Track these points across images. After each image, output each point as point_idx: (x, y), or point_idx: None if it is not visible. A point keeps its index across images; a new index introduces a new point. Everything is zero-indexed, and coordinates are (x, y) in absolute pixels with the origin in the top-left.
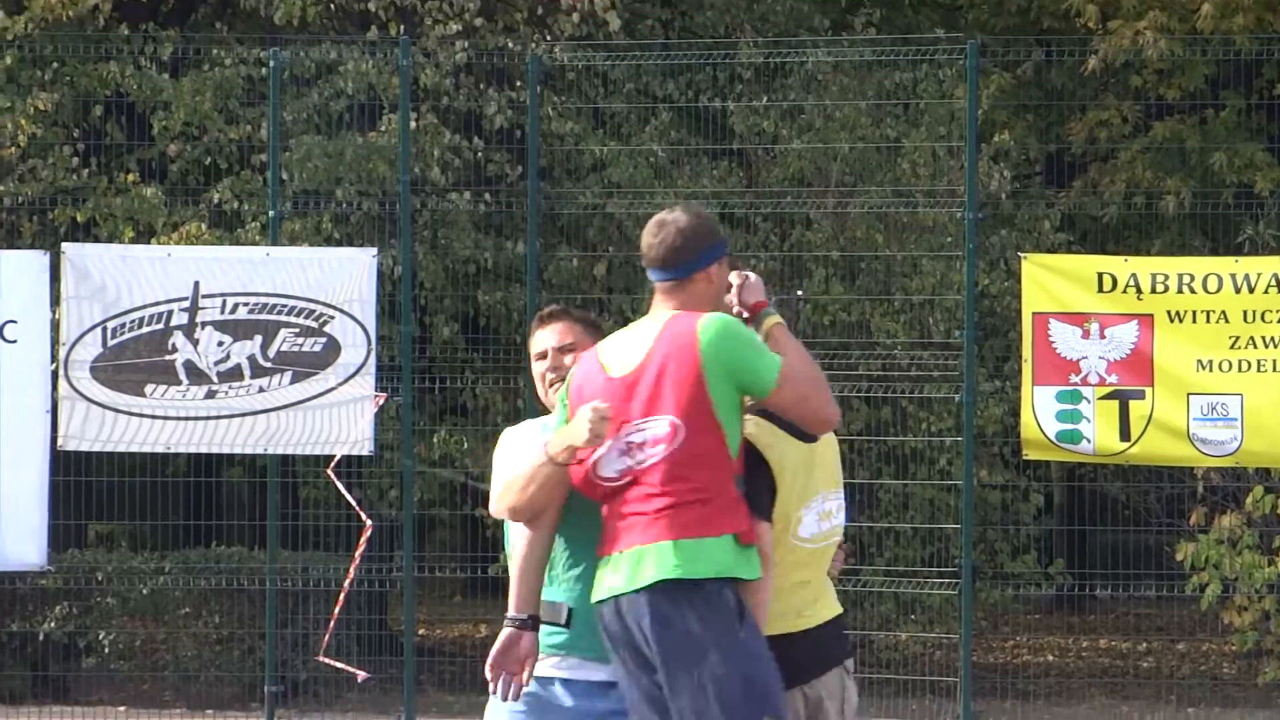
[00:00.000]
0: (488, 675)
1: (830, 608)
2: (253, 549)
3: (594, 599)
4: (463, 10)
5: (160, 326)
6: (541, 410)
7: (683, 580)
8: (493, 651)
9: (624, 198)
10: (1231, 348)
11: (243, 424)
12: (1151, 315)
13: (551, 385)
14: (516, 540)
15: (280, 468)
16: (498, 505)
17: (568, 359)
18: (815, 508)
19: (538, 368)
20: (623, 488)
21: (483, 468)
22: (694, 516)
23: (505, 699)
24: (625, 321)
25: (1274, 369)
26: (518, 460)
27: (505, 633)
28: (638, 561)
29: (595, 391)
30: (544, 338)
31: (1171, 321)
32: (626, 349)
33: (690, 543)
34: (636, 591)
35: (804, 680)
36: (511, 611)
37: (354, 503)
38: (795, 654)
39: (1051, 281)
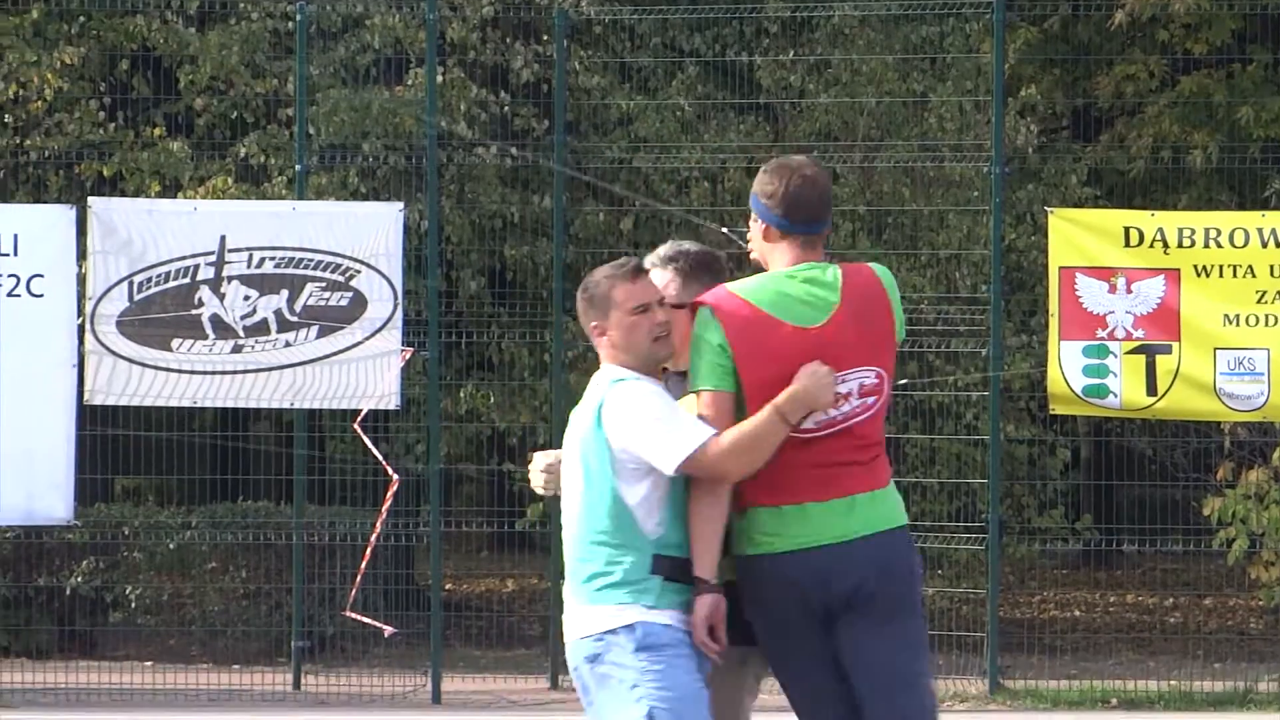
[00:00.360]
0: (704, 640)
1: None
2: (279, 504)
3: (791, 547)
4: None
5: (187, 281)
6: (587, 366)
7: (900, 529)
8: (704, 618)
9: (650, 152)
10: (1258, 302)
11: (269, 378)
12: (1178, 270)
13: (659, 339)
14: (645, 492)
15: (307, 422)
16: (718, 465)
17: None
18: None
19: (639, 320)
20: (822, 437)
21: (508, 422)
22: (886, 466)
23: (717, 660)
24: None
25: None
26: (679, 416)
27: (712, 599)
28: (857, 508)
29: (780, 345)
30: (644, 291)
31: (1198, 276)
32: (805, 301)
33: (893, 492)
34: (873, 535)
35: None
36: (711, 576)
37: (380, 457)
38: None
39: (1078, 236)
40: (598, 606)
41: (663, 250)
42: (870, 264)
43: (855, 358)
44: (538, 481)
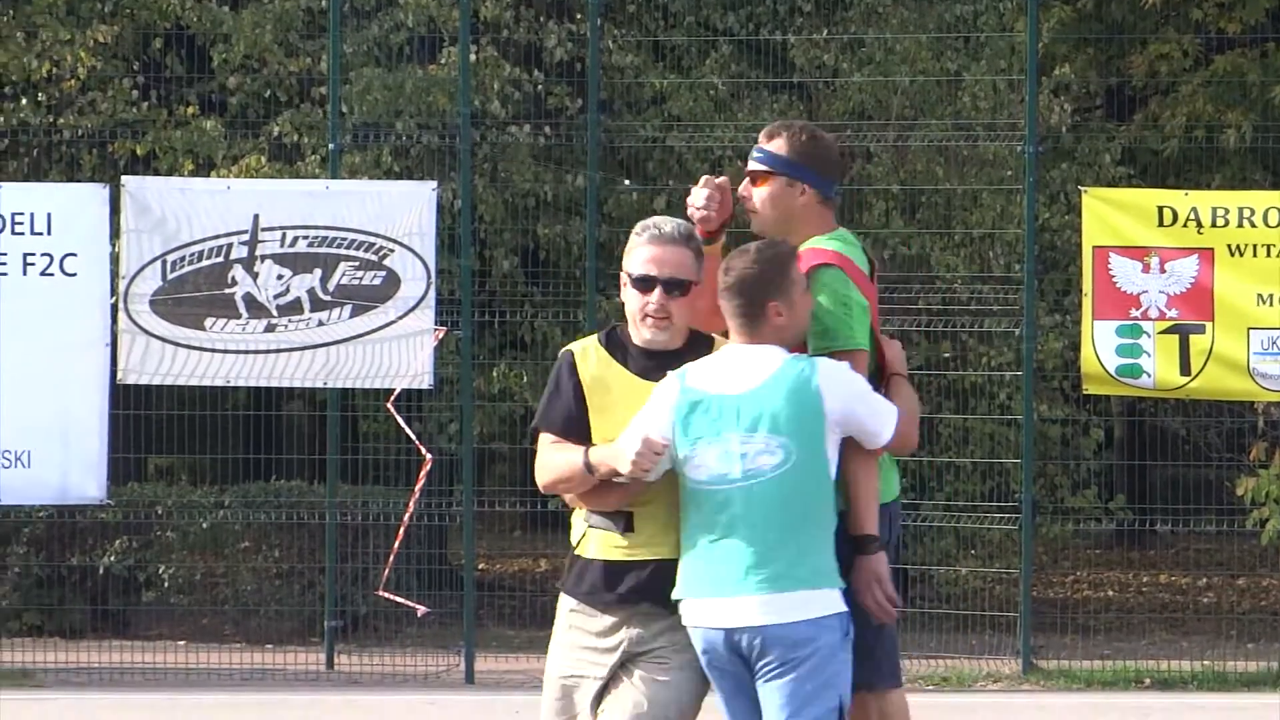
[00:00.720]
0: (886, 602)
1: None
2: (312, 483)
3: (889, 496)
4: None
5: (220, 260)
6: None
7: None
8: (884, 576)
9: (684, 131)
10: None
11: (302, 357)
12: (1212, 249)
13: None
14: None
15: (340, 401)
16: (914, 435)
17: None
18: None
19: (808, 299)
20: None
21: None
22: None
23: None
24: None
25: None
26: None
27: (880, 555)
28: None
29: (872, 296)
30: None
31: (1232, 255)
32: (862, 255)
33: None
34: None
35: None
36: (875, 531)
37: (413, 436)
38: None
39: (1112, 215)
40: (809, 591)
41: (667, 228)
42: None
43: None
44: (646, 465)
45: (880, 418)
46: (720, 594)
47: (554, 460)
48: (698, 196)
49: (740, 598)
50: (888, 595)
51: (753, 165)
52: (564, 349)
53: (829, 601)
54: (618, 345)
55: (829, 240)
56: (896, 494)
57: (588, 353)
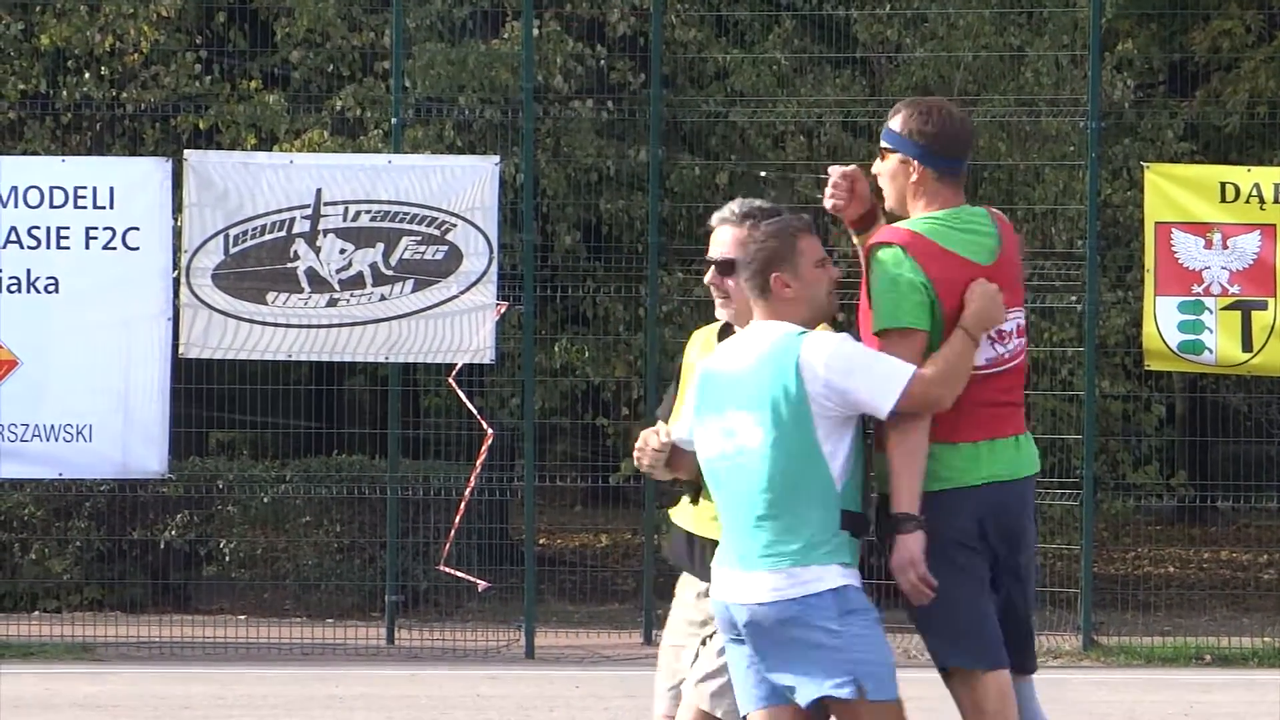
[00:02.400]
0: (918, 580)
1: None
2: (374, 458)
3: (971, 481)
4: None
5: (282, 234)
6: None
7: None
8: (917, 555)
9: (746, 106)
10: None
11: (364, 332)
12: (1274, 225)
13: (830, 294)
14: (836, 443)
15: (401, 376)
16: (929, 398)
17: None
18: None
19: (821, 274)
20: (992, 375)
21: (603, 376)
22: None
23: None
24: None
25: None
26: (884, 359)
27: (921, 534)
28: (1022, 447)
29: (962, 280)
30: (819, 245)
31: None
32: (976, 240)
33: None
34: (1031, 476)
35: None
36: (917, 511)
37: (475, 411)
38: None
39: (1174, 191)
40: (792, 569)
41: (735, 206)
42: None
43: (1013, 298)
44: (650, 463)
45: (878, 389)
46: (721, 566)
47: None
48: (827, 188)
49: (731, 572)
50: (920, 577)
51: (881, 143)
52: None
53: (820, 578)
54: (729, 330)
55: (921, 220)
56: (1016, 472)
57: (697, 337)
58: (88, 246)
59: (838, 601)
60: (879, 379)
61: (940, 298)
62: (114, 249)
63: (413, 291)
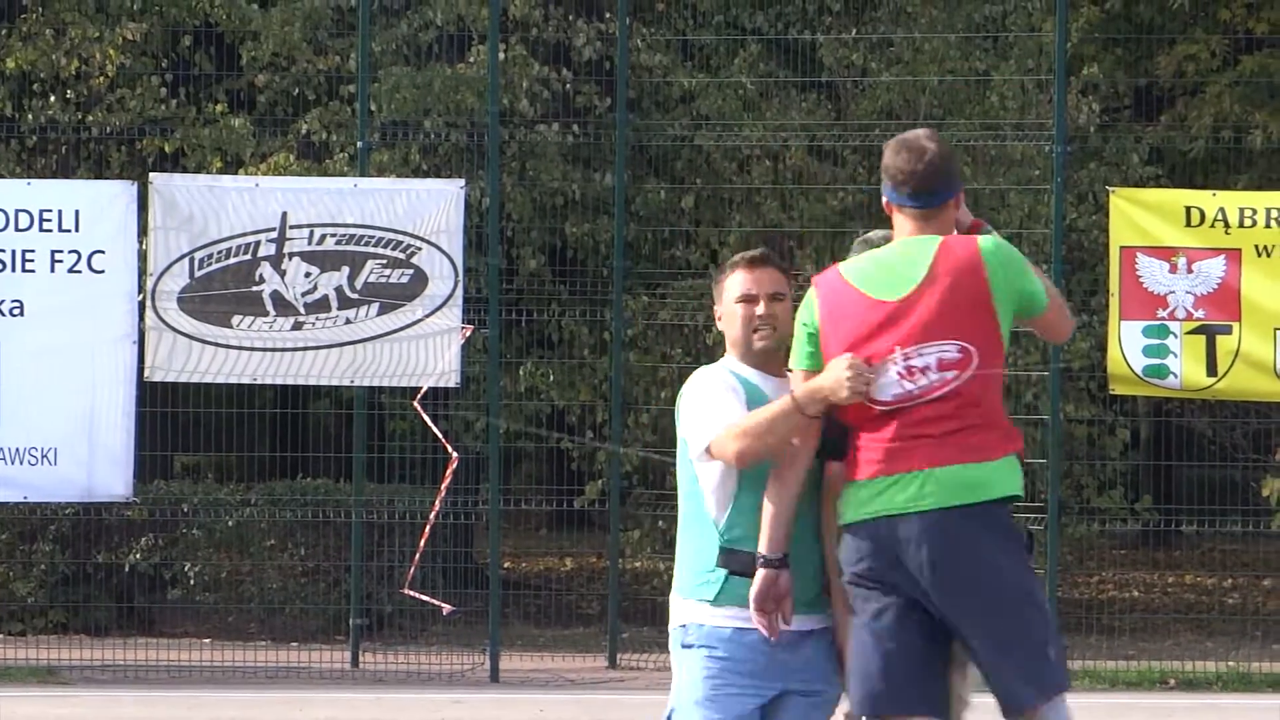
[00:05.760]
0: (754, 617)
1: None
2: (339, 481)
3: (860, 517)
4: None
5: (248, 257)
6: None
7: (975, 505)
8: (754, 594)
9: (712, 130)
10: None
11: (329, 355)
12: (1239, 250)
13: (758, 332)
14: (716, 480)
15: (366, 399)
16: (725, 448)
17: (778, 308)
18: None
19: (740, 310)
20: (897, 411)
21: (568, 400)
22: (983, 440)
23: (772, 638)
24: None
25: None
26: (719, 405)
27: (763, 574)
28: (934, 481)
29: (857, 317)
30: (755, 281)
31: (1259, 256)
32: (892, 272)
33: (984, 466)
34: (926, 512)
35: None
36: (767, 551)
37: (440, 435)
38: None
39: (1139, 215)
40: (677, 597)
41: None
42: (982, 238)
43: (934, 332)
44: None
45: (692, 435)
46: None
47: None
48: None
49: None
50: (757, 611)
51: None
52: None
53: (679, 612)
54: None
55: (855, 258)
56: (904, 508)
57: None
58: (53, 269)
59: (682, 637)
60: (700, 425)
61: (822, 336)
62: (79, 272)
63: (378, 315)
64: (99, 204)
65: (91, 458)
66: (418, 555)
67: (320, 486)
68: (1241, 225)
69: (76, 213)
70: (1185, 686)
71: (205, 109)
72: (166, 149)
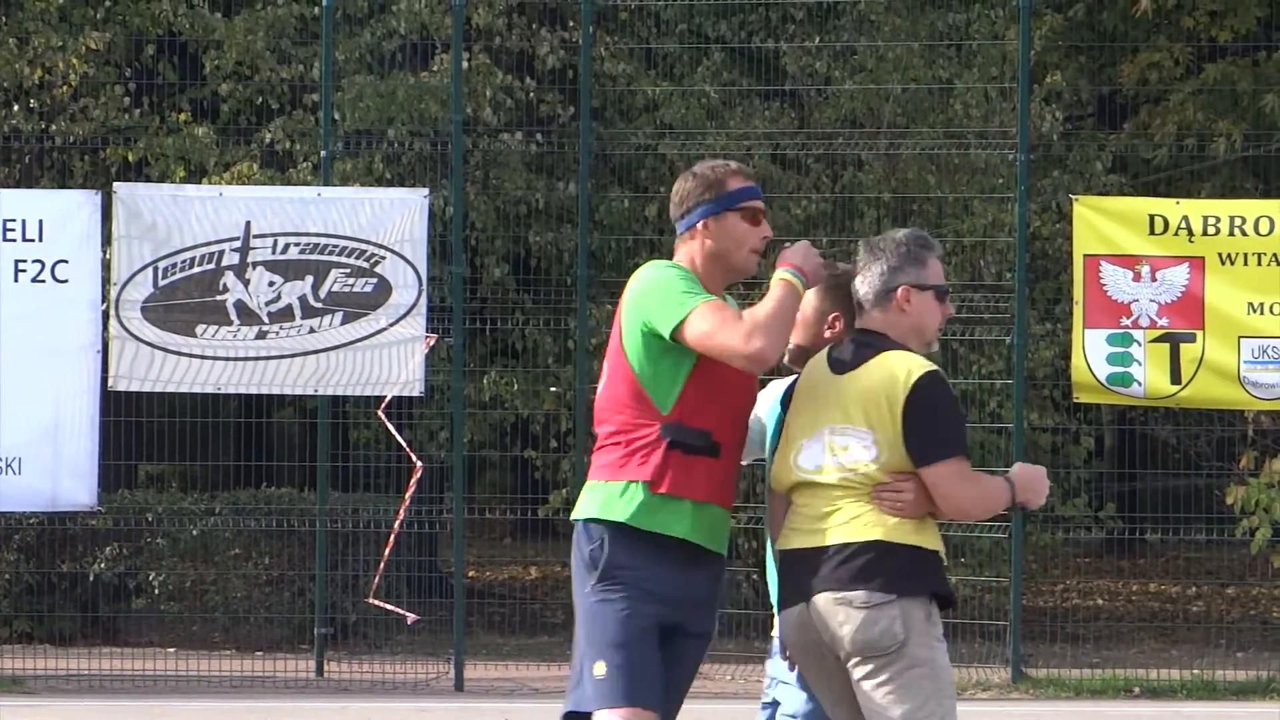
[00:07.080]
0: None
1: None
2: (303, 490)
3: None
4: None
5: (211, 266)
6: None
7: (578, 520)
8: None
9: (676, 138)
10: None
11: (293, 364)
12: (1203, 258)
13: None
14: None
15: (331, 409)
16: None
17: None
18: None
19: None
20: None
21: (532, 409)
22: (605, 460)
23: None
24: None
25: None
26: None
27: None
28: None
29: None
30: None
31: (1223, 264)
32: None
33: (596, 485)
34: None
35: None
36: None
37: (404, 444)
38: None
39: (1103, 224)
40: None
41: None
42: (650, 263)
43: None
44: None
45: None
46: None
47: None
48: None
49: None
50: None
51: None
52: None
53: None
54: None
55: None
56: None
57: None
58: (16, 279)
59: None
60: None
61: None
62: (43, 281)
63: (342, 324)
64: (62, 213)
65: (56, 467)
66: (382, 564)
67: (285, 495)
68: (1205, 233)
69: (40, 222)
70: (1149, 695)
71: (169, 118)
72: (130, 158)
